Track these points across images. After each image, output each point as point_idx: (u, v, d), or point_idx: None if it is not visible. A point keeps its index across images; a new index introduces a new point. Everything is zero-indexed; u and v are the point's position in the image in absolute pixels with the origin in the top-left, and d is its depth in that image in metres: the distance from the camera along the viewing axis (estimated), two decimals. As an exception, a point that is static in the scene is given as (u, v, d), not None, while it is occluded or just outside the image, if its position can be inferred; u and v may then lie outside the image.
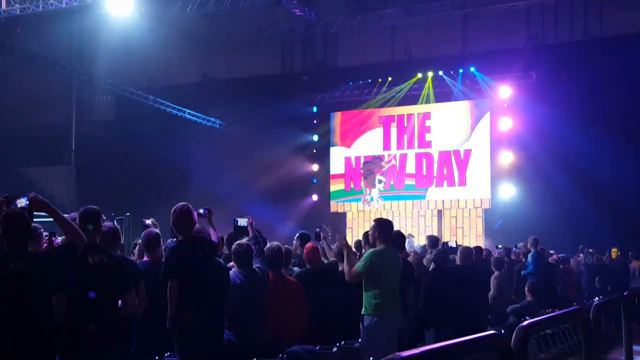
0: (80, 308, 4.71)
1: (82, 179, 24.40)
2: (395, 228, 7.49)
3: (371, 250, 6.71)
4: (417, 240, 18.42)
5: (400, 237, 7.81)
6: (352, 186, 22.64)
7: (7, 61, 22.02)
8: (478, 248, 10.10)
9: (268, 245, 6.59)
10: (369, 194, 22.38)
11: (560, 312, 4.23)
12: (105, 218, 5.84)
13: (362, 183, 22.52)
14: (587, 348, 4.34)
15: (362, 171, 22.46)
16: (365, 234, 7.58)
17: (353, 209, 22.54)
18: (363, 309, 6.58)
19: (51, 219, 4.60)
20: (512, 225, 19.21)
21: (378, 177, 22.24)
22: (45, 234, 5.55)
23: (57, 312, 4.46)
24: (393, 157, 22.11)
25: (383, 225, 6.83)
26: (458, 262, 8.68)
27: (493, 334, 2.68)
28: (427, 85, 21.41)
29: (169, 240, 6.00)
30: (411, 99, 21.91)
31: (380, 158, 22.26)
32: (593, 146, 17.82)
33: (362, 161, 22.56)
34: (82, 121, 25.69)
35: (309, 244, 7.44)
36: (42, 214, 4.70)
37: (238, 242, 6.26)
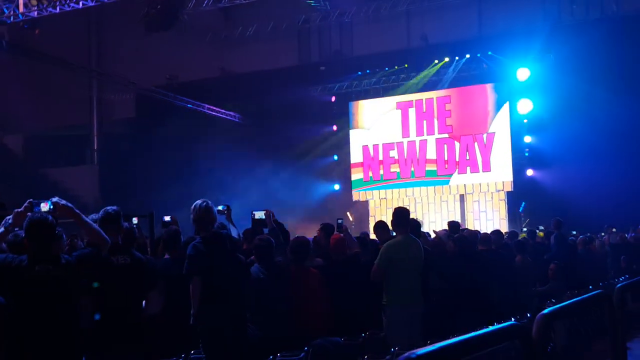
0: (106, 309, 4.76)
1: (104, 177, 24.63)
2: (418, 215, 7.44)
3: (386, 244, 6.68)
4: (440, 225, 18.36)
5: (415, 224, 7.68)
6: (370, 175, 22.54)
7: (28, 63, 22.23)
8: (497, 232, 10.06)
9: (295, 238, 6.61)
10: None
11: (583, 297, 4.20)
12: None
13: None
14: (613, 331, 4.30)
15: None
16: (377, 224, 7.62)
17: (375, 197, 22.46)
18: (384, 299, 6.56)
19: (72, 221, 4.63)
20: (536, 207, 19.06)
21: None
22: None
23: (83, 314, 4.52)
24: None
25: (399, 214, 6.73)
26: (479, 247, 8.62)
27: (512, 324, 2.68)
28: (442, 69, 21.28)
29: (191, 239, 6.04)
30: (430, 84, 21.78)
31: None
32: (613, 125, 17.60)
33: (380, 149, 22.43)
34: (103, 120, 25.93)
35: (334, 235, 7.43)
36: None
37: (259, 236, 6.30)
